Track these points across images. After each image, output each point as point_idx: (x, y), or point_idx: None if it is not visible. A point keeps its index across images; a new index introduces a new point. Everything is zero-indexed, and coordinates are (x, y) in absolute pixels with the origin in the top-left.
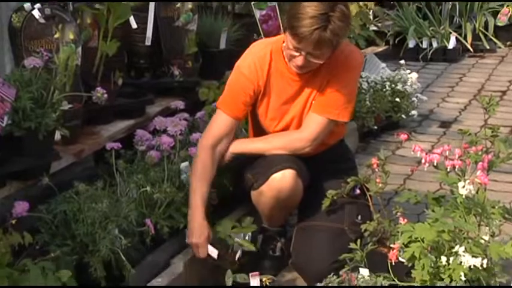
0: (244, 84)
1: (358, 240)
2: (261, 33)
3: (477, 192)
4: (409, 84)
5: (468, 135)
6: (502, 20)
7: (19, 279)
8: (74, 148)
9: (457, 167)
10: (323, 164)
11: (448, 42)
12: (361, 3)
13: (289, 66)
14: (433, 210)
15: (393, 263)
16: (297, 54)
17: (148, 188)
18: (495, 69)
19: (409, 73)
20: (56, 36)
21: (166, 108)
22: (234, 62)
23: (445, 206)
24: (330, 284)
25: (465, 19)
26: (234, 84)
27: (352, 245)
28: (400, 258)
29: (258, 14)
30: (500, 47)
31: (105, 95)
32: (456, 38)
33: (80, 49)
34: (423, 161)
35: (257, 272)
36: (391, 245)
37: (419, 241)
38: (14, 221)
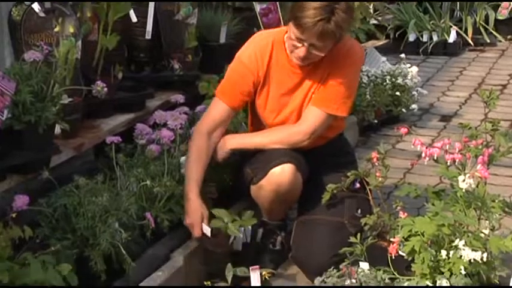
0: (244, 74)
1: (358, 234)
2: (261, 26)
3: (477, 186)
4: (409, 78)
5: (468, 129)
6: (503, 14)
7: (19, 272)
8: (74, 142)
9: (457, 160)
10: (323, 157)
11: (449, 36)
12: None
13: (290, 58)
14: (433, 204)
15: (393, 257)
16: (299, 45)
17: (148, 182)
18: (495, 63)
19: (410, 67)
20: (56, 29)
21: (166, 102)
22: (234, 56)
23: (445, 200)
24: (329, 278)
25: (465, 13)
26: (234, 73)
27: (352, 239)
28: (400, 252)
29: (258, 7)
30: (500, 41)
31: (105, 89)
32: (456, 31)
33: (79, 43)
34: (423, 154)
35: (257, 266)
36: (391, 239)
37: (419, 235)
38: (14, 215)
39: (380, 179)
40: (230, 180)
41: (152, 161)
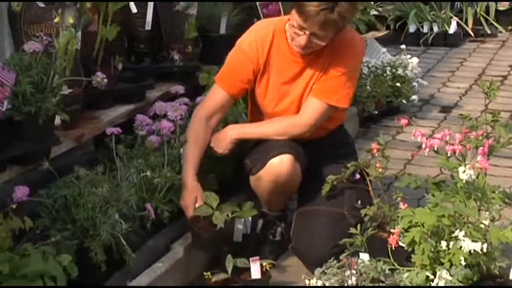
0: (244, 62)
1: (358, 225)
2: (262, 17)
3: (477, 177)
4: (409, 69)
5: (469, 120)
6: (503, 5)
7: (20, 263)
8: (74, 133)
9: (457, 151)
10: (322, 148)
11: (449, 26)
12: None
13: (291, 47)
14: (433, 195)
15: (393, 248)
16: (300, 33)
17: (148, 173)
18: (496, 54)
19: (410, 58)
20: (56, 20)
21: (166, 93)
22: (234, 46)
23: (445, 191)
24: (330, 269)
25: (466, 3)
26: (233, 60)
27: (352, 230)
28: (400, 243)
29: None
30: (501, 32)
31: (105, 80)
32: (457, 22)
33: (79, 33)
34: (423, 146)
35: (257, 257)
36: (391, 230)
37: (419, 226)
38: (14, 206)
39: (380, 170)
40: (230, 171)
41: (152, 152)
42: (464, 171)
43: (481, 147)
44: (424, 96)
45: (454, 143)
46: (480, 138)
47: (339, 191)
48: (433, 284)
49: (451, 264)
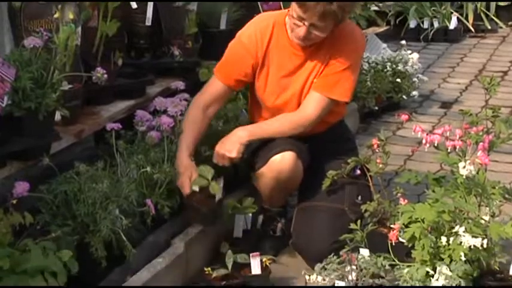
0: (242, 54)
1: (359, 221)
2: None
3: (477, 173)
4: (410, 64)
5: (469, 115)
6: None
7: (20, 259)
8: (74, 128)
9: (457, 147)
10: (323, 144)
11: (449, 22)
12: None
13: (291, 40)
14: (433, 191)
15: (393, 244)
16: (300, 24)
17: (148, 169)
18: (496, 50)
19: (410, 53)
20: (56, 16)
21: (166, 88)
22: None
23: (446, 187)
24: (330, 264)
25: None
26: (232, 52)
27: (352, 226)
28: (400, 239)
29: None
30: (501, 27)
31: (105, 75)
32: (457, 18)
33: (79, 29)
34: (424, 141)
35: (257, 253)
36: (391, 226)
37: (419, 221)
38: (14, 201)
39: (380, 165)
40: (231, 167)
41: (152, 148)
42: (464, 167)
43: (481, 143)
44: (424, 92)
45: (454, 139)
46: (480, 133)
47: (340, 186)
48: (433, 280)
49: (451, 260)
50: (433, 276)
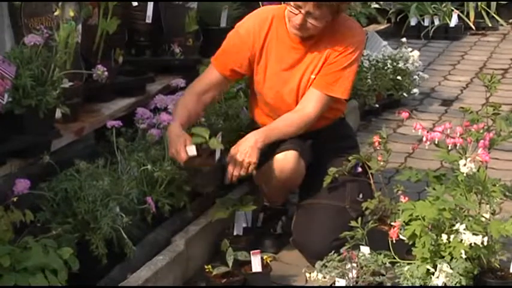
0: (238, 46)
1: (359, 218)
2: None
3: (478, 170)
4: (410, 62)
5: (469, 113)
6: None
7: (20, 256)
8: (74, 126)
9: (458, 145)
10: (324, 142)
11: (450, 20)
12: None
13: (290, 33)
14: (434, 188)
15: (394, 241)
16: (296, 12)
17: (149, 166)
18: (497, 47)
19: (411, 51)
20: (56, 13)
21: (166, 86)
22: None
23: (446, 184)
24: (330, 262)
25: None
26: (229, 43)
27: (353, 223)
28: (401, 236)
29: None
30: (502, 25)
31: (106, 73)
32: (458, 15)
33: (80, 26)
34: (424, 139)
35: (258, 250)
36: (392, 223)
37: (420, 219)
38: (15, 199)
39: (381, 163)
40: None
41: (153, 146)
42: (465, 165)
43: (481, 141)
44: (424, 90)
45: (454, 136)
46: (481, 131)
47: (341, 184)
48: (433, 277)
49: (452, 258)
50: (433, 273)
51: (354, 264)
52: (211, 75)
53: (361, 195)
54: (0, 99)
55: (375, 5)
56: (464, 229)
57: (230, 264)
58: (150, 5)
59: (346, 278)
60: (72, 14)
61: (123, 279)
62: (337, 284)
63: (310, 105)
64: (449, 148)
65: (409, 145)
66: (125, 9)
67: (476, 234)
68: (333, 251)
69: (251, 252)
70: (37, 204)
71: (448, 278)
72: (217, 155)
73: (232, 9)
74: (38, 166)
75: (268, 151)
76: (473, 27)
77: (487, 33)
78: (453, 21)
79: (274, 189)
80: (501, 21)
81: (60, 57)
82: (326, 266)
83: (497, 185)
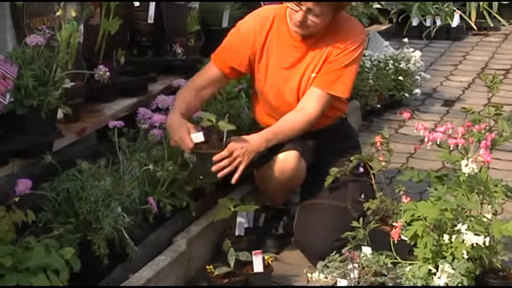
0: (238, 44)
1: (361, 219)
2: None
3: (480, 171)
4: (412, 62)
5: (471, 113)
6: None
7: (22, 256)
8: (76, 126)
9: (460, 145)
10: (326, 142)
11: (452, 20)
12: None
13: (291, 32)
14: (435, 189)
15: (395, 241)
16: (297, 9)
17: (150, 166)
18: (499, 48)
19: (413, 51)
20: (58, 13)
21: (168, 86)
22: None
23: (448, 185)
24: (332, 262)
25: None
26: (230, 41)
27: (354, 223)
28: (403, 237)
29: None
30: (504, 25)
31: (108, 73)
32: (460, 16)
33: (82, 27)
34: (426, 139)
35: (260, 250)
36: (394, 224)
37: (421, 219)
38: (17, 199)
39: (383, 163)
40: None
41: (155, 146)
42: (466, 165)
43: (483, 141)
44: (426, 90)
45: (456, 137)
46: (483, 131)
47: (342, 184)
48: (435, 278)
49: (454, 258)
50: (435, 274)
51: (356, 265)
52: (210, 71)
53: (362, 196)
54: (2, 99)
55: (376, 5)
56: (466, 229)
57: (232, 264)
58: (152, 5)
59: (348, 278)
60: (74, 14)
61: (125, 279)
62: (338, 285)
63: (311, 105)
64: (451, 148)
65: (411, 145)
66: (126, 10)
67: (478, 235)
68: (334, 251)
69: (253, 252)
70: (39, 204)
71: (449, 279)
72: (225, 138)
73: (234, 9)
74: (40, 166)
75: (268, 151)
76: (475, 27)
77: (489, 33)
78: (455, 22)
79: (275, 190)
80: (503, 21)
81: (62, 57)
82: (328, 267)
83: (499, 186)
